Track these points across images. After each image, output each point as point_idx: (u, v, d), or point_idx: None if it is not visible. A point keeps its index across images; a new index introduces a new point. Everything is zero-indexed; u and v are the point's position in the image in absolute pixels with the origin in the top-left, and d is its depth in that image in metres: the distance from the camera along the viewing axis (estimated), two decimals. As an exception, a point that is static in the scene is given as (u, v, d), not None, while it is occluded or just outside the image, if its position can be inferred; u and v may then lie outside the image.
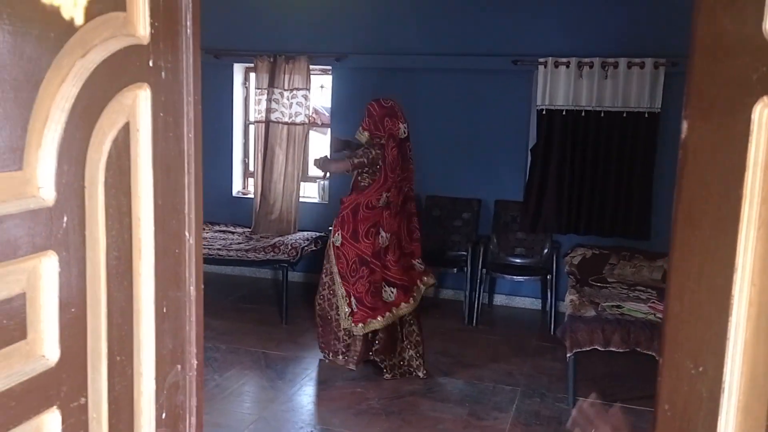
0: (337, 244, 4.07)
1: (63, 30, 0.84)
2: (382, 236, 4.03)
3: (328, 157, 4.37)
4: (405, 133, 4.05)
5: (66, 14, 0.58)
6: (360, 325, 4.04)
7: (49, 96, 0.86)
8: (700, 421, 0.78)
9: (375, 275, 4.02)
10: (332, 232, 4.13)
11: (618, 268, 5.01)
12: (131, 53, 0.98)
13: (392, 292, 4.05)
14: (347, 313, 4.07)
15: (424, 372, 4.19)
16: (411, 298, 4.14)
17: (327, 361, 4.27)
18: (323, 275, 4.19)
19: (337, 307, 4.12)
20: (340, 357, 4.18)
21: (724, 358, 0.75)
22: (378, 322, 4.04)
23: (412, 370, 4.19)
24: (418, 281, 4.22)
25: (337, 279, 4.09)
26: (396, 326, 4.16)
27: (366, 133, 4.07)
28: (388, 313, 4.05)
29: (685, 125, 0.76)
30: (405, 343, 4.19)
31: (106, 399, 1.00)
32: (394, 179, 4.00)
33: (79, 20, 0.59)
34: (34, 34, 0.82)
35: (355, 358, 4.12)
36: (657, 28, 5.13)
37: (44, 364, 0.89)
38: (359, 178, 4.07)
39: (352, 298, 4.05)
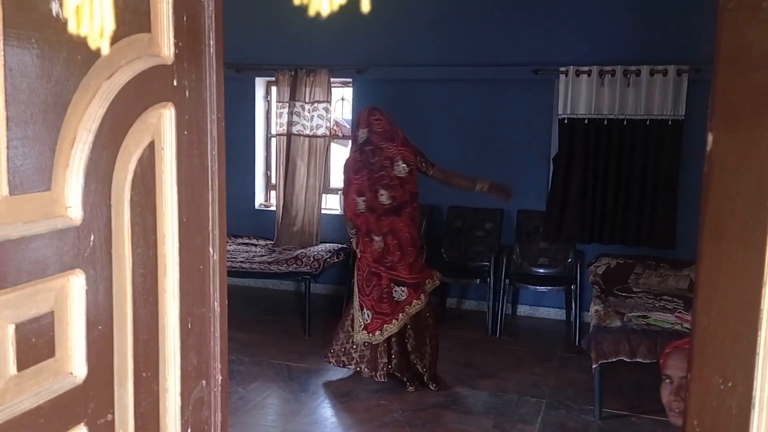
0: (359, 255, 4.21)
1: (90, 52, 0.86)
2: (375, 240, 4.11)
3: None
4: (363, 138, 4.12)
5: (93, 45, 0.60)
6: (377, 332, 4.08)
7: (77, 117, 0.88)
8: (730, 437, 0.77)
9: (382, 280, 4.09)
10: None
11: (643, 277, 4.95)
12: (156, 73, 1.00)
13: (403, 291, 4.10)
14: (360, 326, 4.13)
15: (434, 385, 4.18)
16: (422, 295, 4.17)
17: (331, 363, 4.31)
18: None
19: (353, 319, 4.19)
20: (366, 370, 4.19)
21: (754, 373, 0.74)
22: (394, 326, 4.08)
23: (424, 383, 4.18)
24: (428, 280, 4.24)
25: (355, 290, 4.20)
26: (404, 338, 4.17)
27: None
28: (401, 314, 4.08)
29: (710, 138, 0.76)
30: (413, 356, 4.18)
31: (133, 415, 1.01)
32: (359, 181, 4.09)
33: (105, 50, 0.60)
34: (61, 57, 0.84)
35: (384, 370, 4.14)
36: (679, 35, 5.08)
37: (72, 382, 0.90)
38: None
39: (365, 311, 4.12)
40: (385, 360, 4.13)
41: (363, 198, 4.10)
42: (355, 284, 4.20)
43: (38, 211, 0.84)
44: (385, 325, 4.08)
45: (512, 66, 5.45)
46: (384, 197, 4.10)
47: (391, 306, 4.07)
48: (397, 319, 4.08)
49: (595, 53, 5.25)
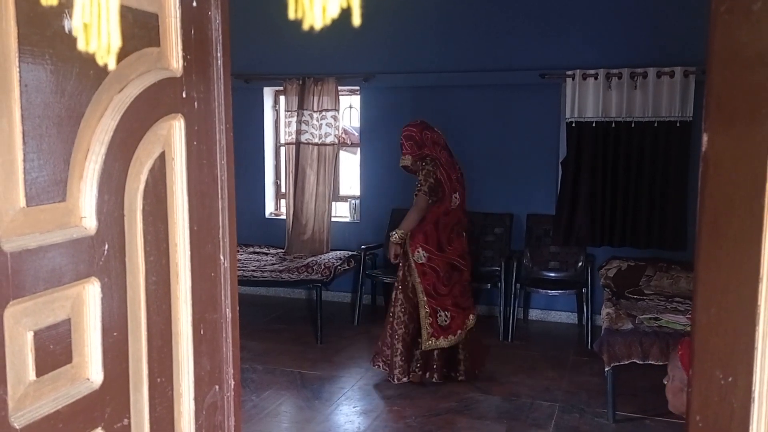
0: (422, 261, 4.15)
1: (101, 67, 0.89)
2: (464, 235, 4.30)
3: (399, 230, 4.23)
4: (445, 140, 4.38)
5: (100, 60, 0.62)
6: (459, 332, 4.21)
7: (90, 130, 0.90)
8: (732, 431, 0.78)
9: (464, 274, 4.28)
10: (410, 251, 4.15)
11: (655, 279, 4.93)
12: (165, 86, 1.02)
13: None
14: (429, 334, 4.16)
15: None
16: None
17: (396, 380, 4.27)
18: (396, 296, 4.23)
19: (414, 329, 4.19)
20: (419, 373, 4.27)
21: (753, 367, 0.75)
22: (471, 321, 4.28)
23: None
24: None
25: (422, 297, 4.16)
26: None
27: (408, 157, 4.19)
28: (472, 315, 4.32)
29: (705, 138, 0.77)
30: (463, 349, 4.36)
31: (148, 420, 1.03)
32: (453, 178, 4.26)
33: (111, 65, 0.63)
34: (74, 73, 0.87)
35: (438, 373, 4.25)
36: (685, 36, 5.08)
37: (89, 387, 0.92)
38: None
39: (441, 313, 4.16)
40: (440, 362, 4.26)
41: (456, 195, 4.23)
42: (421, 292, 4.16)
43: (54, 221, 0.87)
44: (465, 321, 4.24)
45: (519, 71, 5.46)
46: (459, 197, 4.32)
47: (470, 299, 4.32)
48: (473, 314, 4.32)
49: (602, 56, 5.25)
